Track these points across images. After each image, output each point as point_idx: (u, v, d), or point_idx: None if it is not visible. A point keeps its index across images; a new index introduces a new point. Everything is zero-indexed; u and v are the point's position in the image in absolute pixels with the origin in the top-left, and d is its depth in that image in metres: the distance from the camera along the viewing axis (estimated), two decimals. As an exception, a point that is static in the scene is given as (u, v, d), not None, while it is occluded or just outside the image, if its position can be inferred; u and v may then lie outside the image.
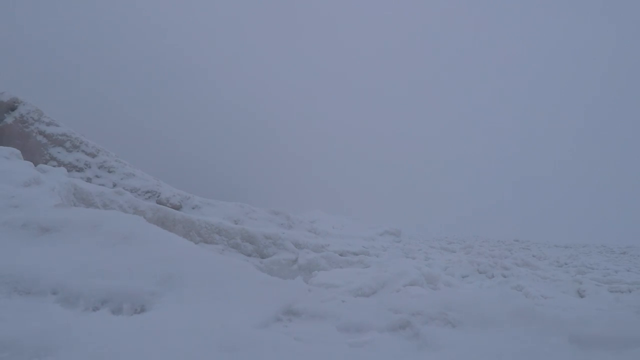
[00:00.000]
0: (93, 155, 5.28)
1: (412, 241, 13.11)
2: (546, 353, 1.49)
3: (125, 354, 1.24)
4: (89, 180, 4.89)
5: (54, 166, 3.97)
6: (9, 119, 5.10)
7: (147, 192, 5.04)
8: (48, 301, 1.49)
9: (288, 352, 1.32)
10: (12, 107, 5.26)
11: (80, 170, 5.08)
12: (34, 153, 4.93)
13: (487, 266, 6.87)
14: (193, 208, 4.95)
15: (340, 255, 6.64)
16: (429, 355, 1.37)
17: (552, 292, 4.93)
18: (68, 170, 4.30)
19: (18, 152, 3.03)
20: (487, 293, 4.34)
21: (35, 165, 2.92)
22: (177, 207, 4.77)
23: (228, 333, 1.39)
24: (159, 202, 4.76)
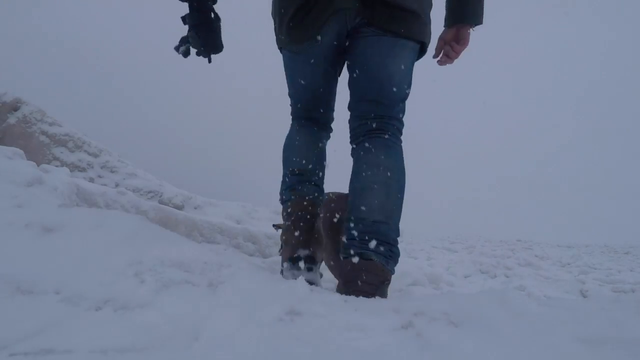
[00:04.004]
0: (95, 155, 5.30)
1: (414, 241, 13.10)
2: (549, 353, 1.49)
3: (127, 353, 1.24)
4: (91, 180, 4.91)
5: (57, 166, 3.98)
6: (12, 119, 5.13)
7: (150, 192, 5.05)
8: (51, 300, 1.50)
9: (290, 352, 1.32)
10: (15, 107, 5.29)
11: (82, 170, 5.09)
12: (36, 153, 4.94)
13: (489, 266, 6.85)
14: (195, 208, 4.96)
15: (342, 255, 6.59)
16: (431, 355, 1.37)
17: (555, 292, 4.92)
18: (71, 170, 4.31)
19: (21, 152, 3.04)
20: (489, 293, 4.31)
21: (38, 165, 2.93)
22: (180, 207, 4.78)
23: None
24: (161, 202, 4.78)
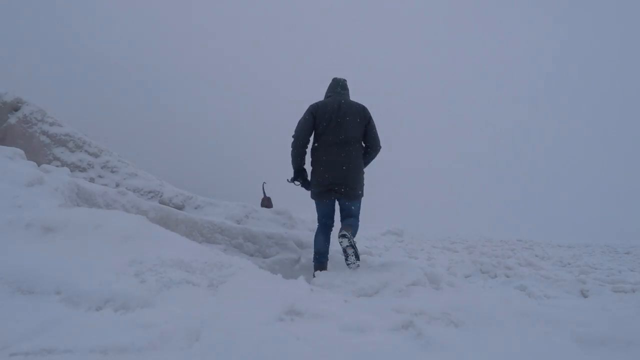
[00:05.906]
0: (96, 155, 5.29)
1: (415, 241, 13.09)
2: (550, 353, 1.49)
3: (127, 353, 1.24)
4: (92, 180, 4.90)
5: (57, 166, 3.97)
6: (12, 120, 5.13)
7: (150, 192, 5.05)
8: (51, 301, 1.50)
9: (290, 351, 1.32)
10: (15, 107, 5.28)
11: (83, 170, 5.09)
12: (37, 153, 4.94)
13: (490, 266, 6.85)
14: (195, 208, 4.96)
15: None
16: (432, 355, 1.37)
17: (555, 292, 4.92)
18: (71, 170, 4.30)
19: (21, 152, 3.04)
20: (490, 293, 4.32)
21: (39, 166, 2.93)
22: (180, 207, 4.78)
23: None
24: (162, 202, 4.77)
